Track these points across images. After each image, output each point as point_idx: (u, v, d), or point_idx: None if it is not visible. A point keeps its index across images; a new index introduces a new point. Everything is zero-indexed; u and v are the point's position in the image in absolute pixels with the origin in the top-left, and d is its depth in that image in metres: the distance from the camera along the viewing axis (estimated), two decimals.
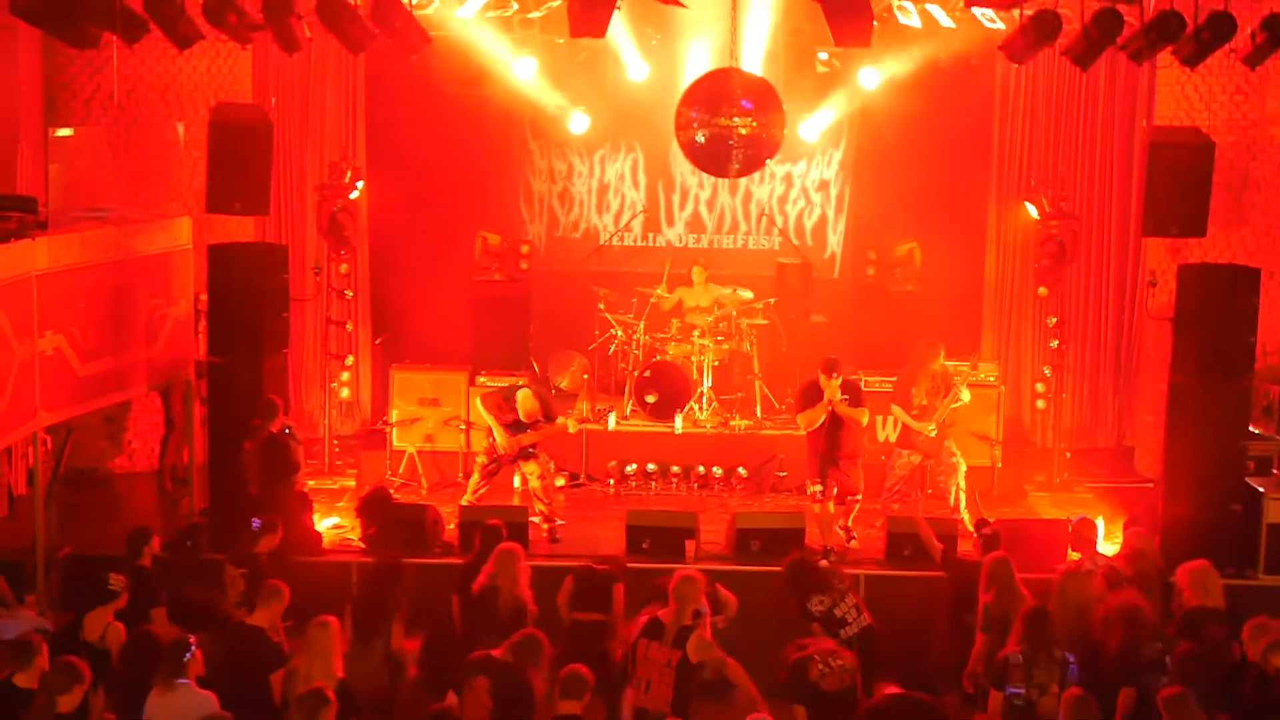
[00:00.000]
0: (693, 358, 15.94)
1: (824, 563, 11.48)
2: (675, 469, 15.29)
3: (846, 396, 13.11)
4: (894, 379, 14.42)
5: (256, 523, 11.34)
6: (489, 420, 13.81)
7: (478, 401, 14.10)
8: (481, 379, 15.26)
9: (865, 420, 13.47)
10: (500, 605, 10.36)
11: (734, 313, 16.18)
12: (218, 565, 11.20)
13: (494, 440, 13.74)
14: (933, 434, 13.71)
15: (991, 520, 12.49)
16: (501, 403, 13.83)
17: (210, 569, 11.37)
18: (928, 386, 13.74)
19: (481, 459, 13.90)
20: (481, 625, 10.29)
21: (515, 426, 13.67)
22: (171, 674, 8.70)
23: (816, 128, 16.97)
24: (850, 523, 13.47)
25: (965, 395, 13.83)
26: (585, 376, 15.98)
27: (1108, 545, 12.19)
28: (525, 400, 13.72)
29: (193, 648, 8.83)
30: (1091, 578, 10.89)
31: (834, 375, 13.05)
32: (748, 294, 16.29)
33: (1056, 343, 15.98)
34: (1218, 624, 9.95)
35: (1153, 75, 15.69)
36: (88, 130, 15.22)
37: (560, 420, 13.94)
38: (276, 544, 11.30)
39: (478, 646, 9.43)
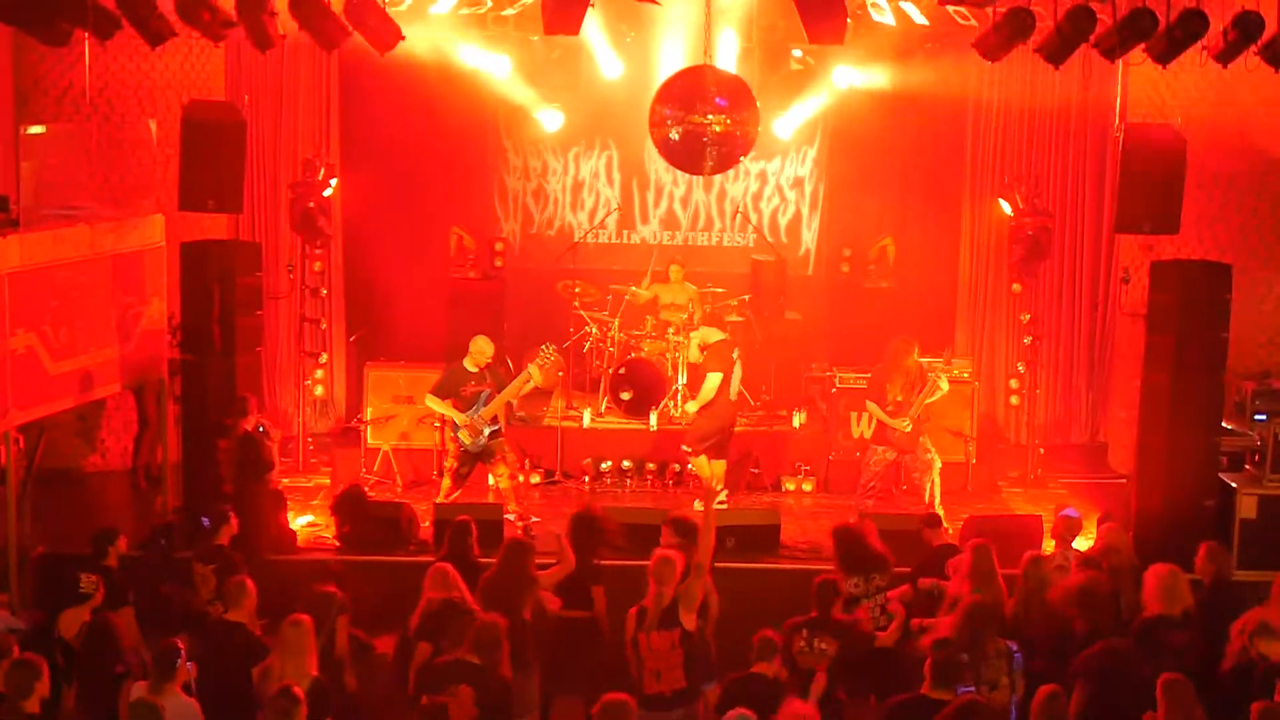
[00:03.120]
0: (668, 355, 15.94)
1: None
2: (650, 466, 15.30)
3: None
4: (869, 375, 14.45)
5: (206, 521, 11.29)
6: (442, 409, 13.71)
7: (427, 398, 13.88)
8: None
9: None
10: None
11: (708, 310, 16.18)
12: (187, 563, 11.17)
13: (457, 436, 13.67)
14: (908, 430, 13.75)
15: (964, 516, 12.50)
16: (444, 382, 13.71)
17: (181, 567, 11.33)
18: (902, 383, 13.80)
19: (450, 462, 13.78)
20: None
21: (471, 400, 13.60)
22: (161, 679, 8.66)
23: (791, 125, 16.99)
24: None
25: (944, 385, 13.88)
26: (560, 374, 15.95)
27: (1081, 541, 12.21)
28: (478, 343, 13.63)
29: (182, 653, 8.77)
30: (1052, 563, 10.96)
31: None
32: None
33: (1030, 339, 16.02)
34: (1178, 630, 9.89)
35: (1125, 72, 15.73)
36: (60, 127, 15.16)
37: (524, 372, 13.87)
38: (235, 531, 11.23)
39: None
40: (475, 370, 13.62)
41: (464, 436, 13.55)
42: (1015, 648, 9.42)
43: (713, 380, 13.99)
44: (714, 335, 14.32)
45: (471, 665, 8.95)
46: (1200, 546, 10.78)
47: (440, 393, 13.67)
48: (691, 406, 14.36)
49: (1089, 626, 9.63)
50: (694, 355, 14.54)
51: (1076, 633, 9.69)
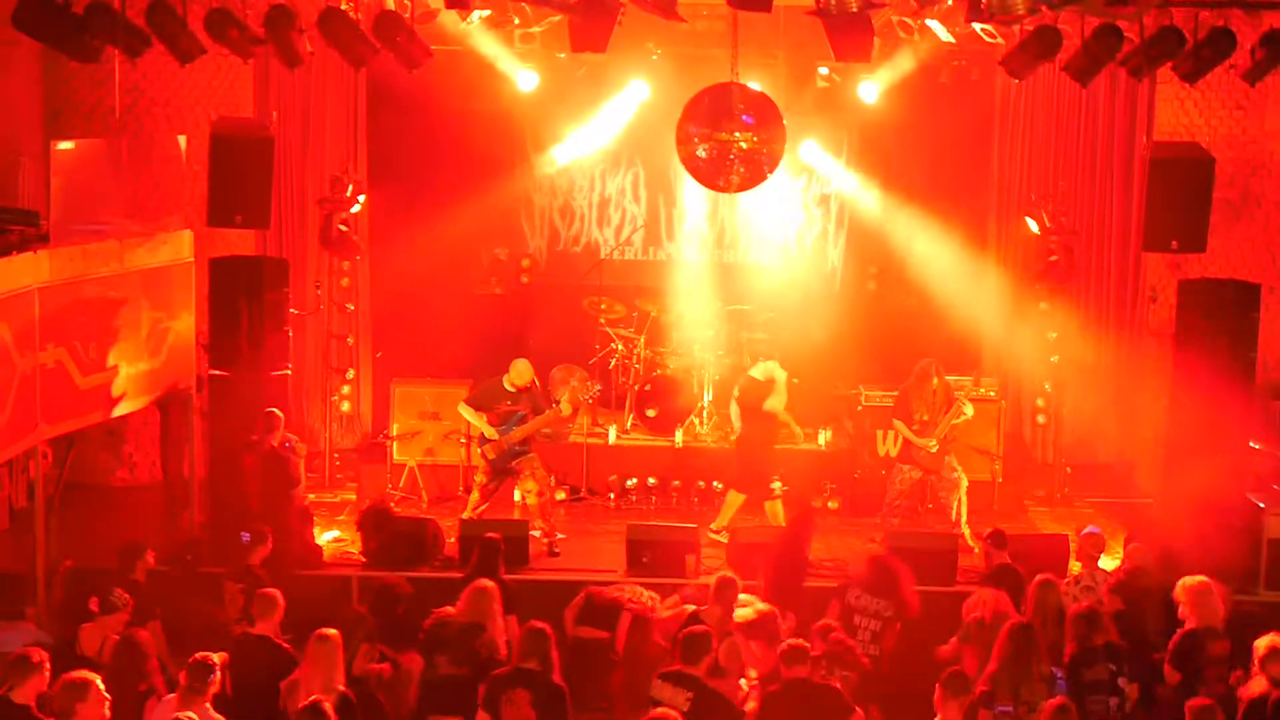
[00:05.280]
0: (693, 372, 15.93)
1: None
2: (676, 483, 15.28)
3: None
4: (895, 394, 14.43)
5: (246, 536, 11.32)
6: (474, 419, 13.73)
7: (460, 406, 13.93)
8: None
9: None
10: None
11: (735, 328, 16.18)
12: (216, 580, 11.19)
13: (485, 451, 13.70)
14: (934, 450, 13.72)
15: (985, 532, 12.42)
16: (481, 395, 13.77)
17: (209, 583, 11.36)
18: (929, 403, 13.78)
19: (480, 477, 13.82)
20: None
21: (505, 418, 13.62)
22: (191, 694, 8.68)
23: (817, 143, 16.97)
24: None
25: (969, 410, 13.86)
26: (587, 389, 15.93)
27: (1108, 561, 12.17)
28: (519, 366, 13.66)
29: (216, 668, 8.78)
30: (1078, 585, 11.02)
31: None
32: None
33: (1057, 358, 15.98)
34: (1219, 640, 9.93)
35: (1153, 90, 15.71)
36: (89, 144, 15.20)
37: (554, 407, 13.93)
38: (268, 553, 11.28)
39: None
40: (512, 390, 13.63)
41: (489, 451, 13.58)
42: (1060, 673, 9.41)
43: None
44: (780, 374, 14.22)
45: (529, 672, 8.97)
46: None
47: (474, 404, 13.70)
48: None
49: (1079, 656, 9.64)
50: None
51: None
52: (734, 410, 14.39)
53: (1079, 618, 9.74)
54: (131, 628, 9.76)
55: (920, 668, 10.13)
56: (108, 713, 8.42)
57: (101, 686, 8.38)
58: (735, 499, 14.04)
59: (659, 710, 8.51)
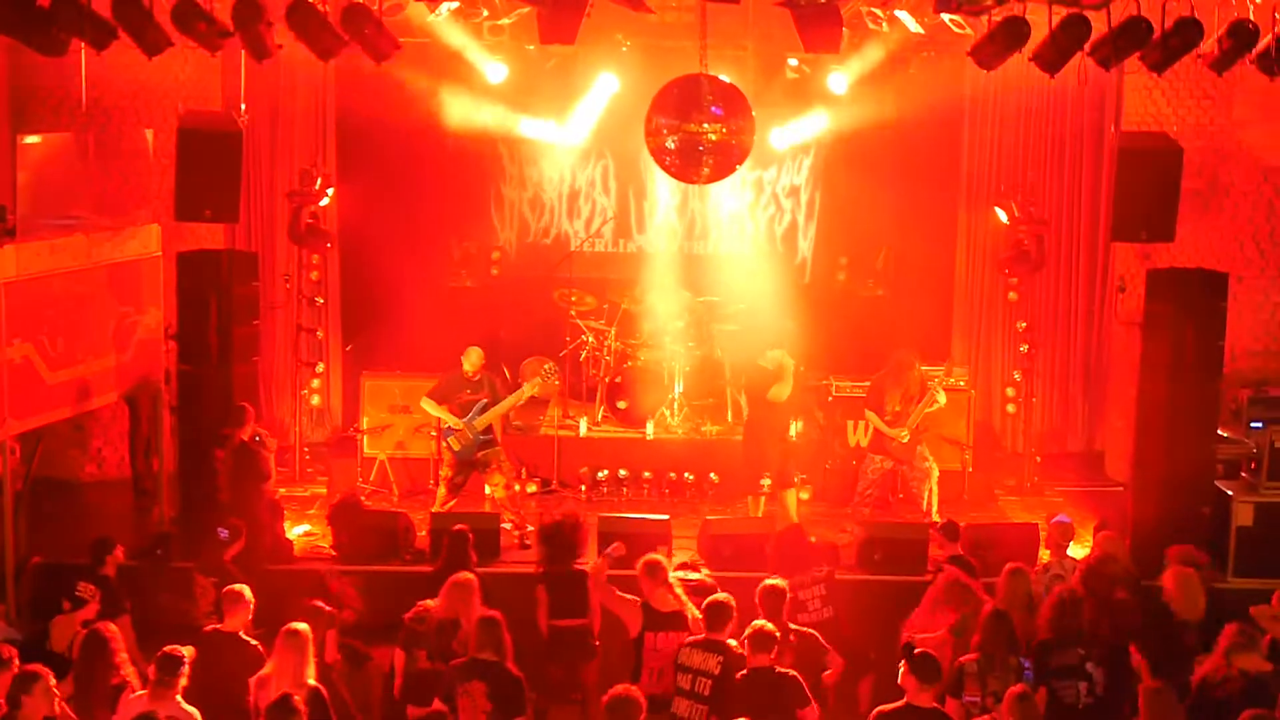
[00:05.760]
0: (664, 364, 15.94)
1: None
2: (647, 475, 15.29)
3: None
4: (865, 384, 14.47)
5: (224, 532, 11.30)
6: (437, 412, 13.74)
7: (423, 400, 13.91)
8: None
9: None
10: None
11: (705, 319, 16.20)
12: (187, 574, 11.16)
13: (449, 444, 13.67)
14: (905, 440, 13.76)
15: (962, 524, 12.46)
16: (443, 386, 13.79)
17: (179, 578, 11.32)
18: (902, 394, 13.83)
19: (445, 471, 13.85)
20: None
21: (466, 408, 13.61)
22: (160, 687, 8.65)
23: (786, 134, 16.99)
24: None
25: (942, 398, 13.92)
26: (557, 385, 15.94)
27: (1078, 549, 12.22)
28: (471, 354, 13.72)
29: (185, 662, 8.76)
30: (1048, 574, 11.11)
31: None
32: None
33: (1026, 347, 16.04)
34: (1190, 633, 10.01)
35: (1121, 80, 15.75)
36: (56, 137, 15.14)
37: (518, 390, 14.01)
38: (241, 548, 11.27)
39: None
40: (473, 378, 13.64)
41: (454, 443, 13.58)
42: (1027, 664, 9.46)
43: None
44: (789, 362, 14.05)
45: (484, 663, 8.98)
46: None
47: (436, 396, 13.70)
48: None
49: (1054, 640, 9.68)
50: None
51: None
52: (743, 399, 14.41)
53: (1058, 602, 9.77)
54: (101, 622, 9.73)
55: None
56: (58, 709, 8.41)
57: (53, 683, 8.37)
58: (791, 495, 14.04)
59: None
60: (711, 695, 9.15)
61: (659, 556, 10.28)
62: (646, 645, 9.70)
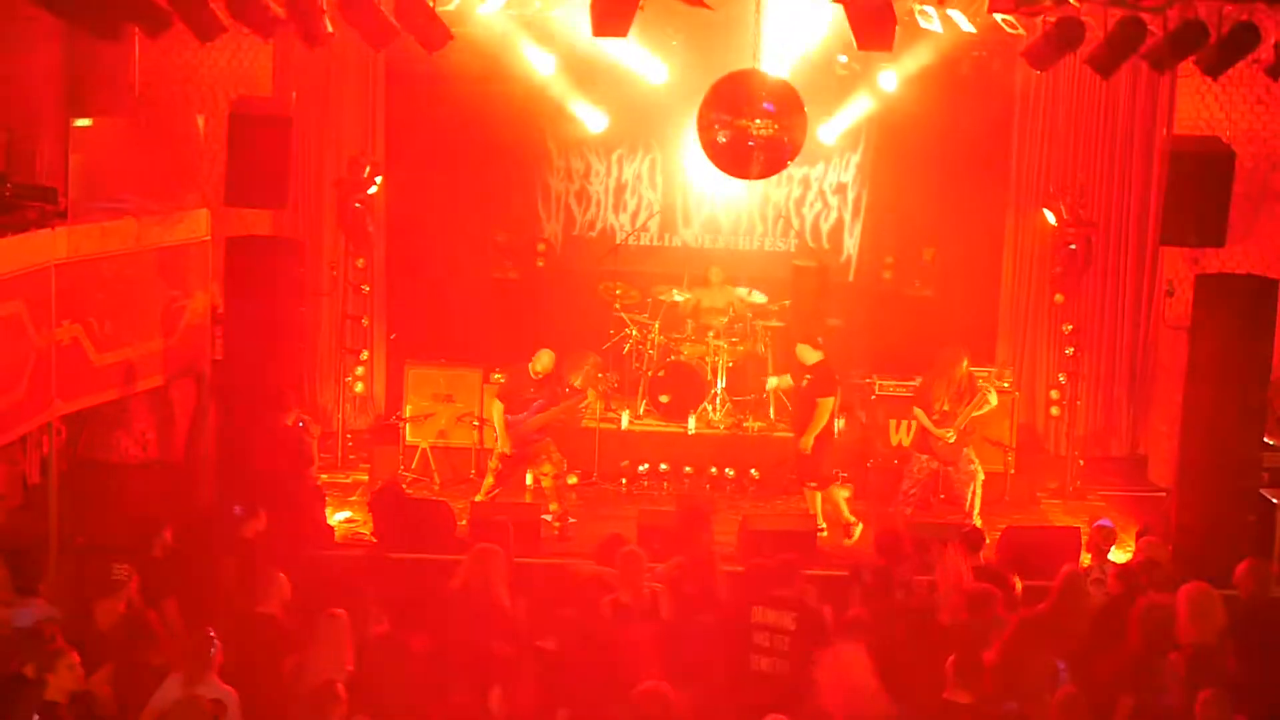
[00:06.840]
0: (707, 359, 15.94)
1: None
2: (688, 469, 15.30)
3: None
4: (910, 384, 14.46)
5: (238, 509, 11.32)
6: (499, 424, 13.85)
7: (493, 406, 14.04)
8: (496, 376, 15.21)
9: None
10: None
11: (749, 315, 16.20)
12: (213, 556, 11.21)
13: (502, 447, 13.81)
14: (951, 440, 13.69)
15: (1002, 527, 12.41)
16: (510, 386, 13.89)
17: (217, 561, 11.38)
18: (950, 393, 13.74)
19: (494, 462, 13.96)
20: None
21: (523, 406, 13.69)
22: (196, 669, 8.70)
23: (835, 130, 16.93)
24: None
25: (993, 399, 13.86)
26: (600, 375, 15.94)
27: (1120, 554, 12.16)
28: (544, 356, 13.80)
29: (215, 642, 8.81)
30: (1089, 579, 10.94)
31: None
32: (761, 298, 16.33)
33: (1072, 350, 15.96)
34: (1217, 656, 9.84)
35: (1174, 83, 15.65)
36: (108, 121, 15.24)
37: (572, 391, 14.23)
38: (262, 526, 11.27)
39: None
40: (536, 378, 13.71)
41: (505, 446, 13.67)
42: (1061, 665, 9.39)
43: (826, 405, 13.84)
44: (812, 355, 14.07)
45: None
46: (1241, 564, 10.71)
47: (505, 398, 13.83)
48: (806, 440, 13.95)
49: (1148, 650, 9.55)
50: (783, 383, 14.45)
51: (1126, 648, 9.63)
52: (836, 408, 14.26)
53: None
54: (146, 604, 9.79)
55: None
56: (85, 685, 8.48)
57: (77, 661, 8.43)
58: (839, 492, 14.05)
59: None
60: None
61: None
62: None
